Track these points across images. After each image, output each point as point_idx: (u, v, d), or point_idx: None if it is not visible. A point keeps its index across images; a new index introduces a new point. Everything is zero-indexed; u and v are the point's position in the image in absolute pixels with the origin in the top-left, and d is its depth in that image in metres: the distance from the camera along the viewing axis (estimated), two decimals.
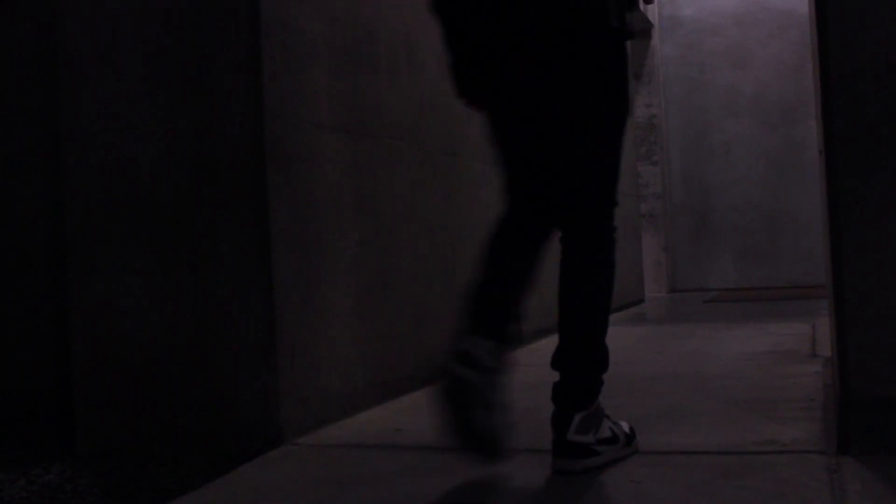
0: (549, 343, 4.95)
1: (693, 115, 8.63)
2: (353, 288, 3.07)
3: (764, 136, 8.48)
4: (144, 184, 2.70)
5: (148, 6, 2.69)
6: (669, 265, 9.23)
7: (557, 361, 2.30)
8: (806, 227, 8.18)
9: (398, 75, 3.50)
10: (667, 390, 3.11)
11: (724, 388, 3.20)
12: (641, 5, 2.08)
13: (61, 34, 2.78)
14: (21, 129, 3.13)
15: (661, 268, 9.21)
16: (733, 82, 8.89)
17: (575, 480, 2.16)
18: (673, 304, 7.70)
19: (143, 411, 2.69)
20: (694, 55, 8.65)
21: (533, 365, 4.09)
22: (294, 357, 2.69)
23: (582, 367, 2.28)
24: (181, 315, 2.66)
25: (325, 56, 2.98)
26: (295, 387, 2.69)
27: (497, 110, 2.33)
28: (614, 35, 2.20)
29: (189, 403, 2.65)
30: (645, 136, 8.42)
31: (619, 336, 5.15)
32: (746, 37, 8.59)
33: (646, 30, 6.82)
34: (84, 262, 2.75)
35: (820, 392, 3.01)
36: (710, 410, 2.83)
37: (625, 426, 2.35)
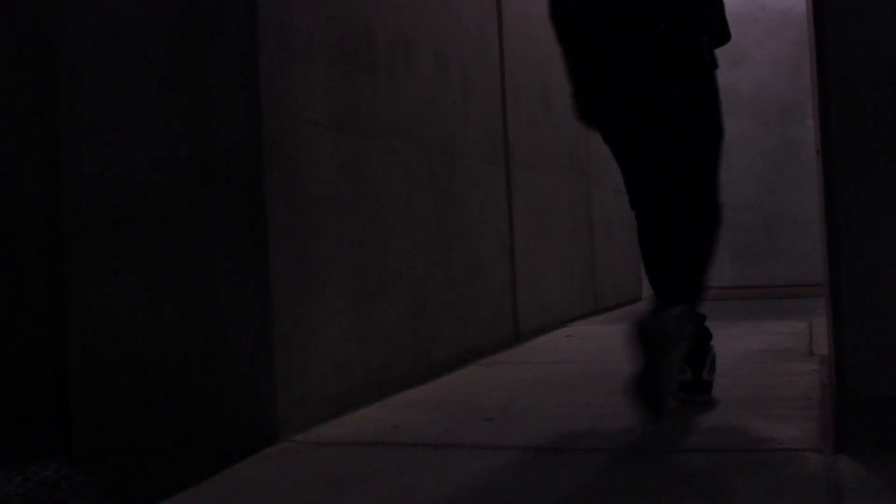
0: (548, 341, 4.97)
1: None
2: (350, 286, 3.08)
3: (761, 136, 8.48)
4: (142, 182, 2.70)
5: (146, 5, 2.69)
6: None
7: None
8: (803, 226, 8.18)
9: (396, 74, 3.50)
10: None
11: (721, 386, 3.20)
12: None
13: (59, 33, 2.77)
14: (19, 127, 3.13)
15: None
16: (731, 81, 8.87)
17: (573, 478, 2.17)
18: None
19: (140, 409, 2.69)
20: None
21: (532, 362, 4.10)
22: (291, 355, 2.69)
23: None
24: (178, 313, 2.66)
25: (323, 55, 2.98)
26: (292, 384, 2.69)
27: (613, 130, 2.84)
28: (705, 67, 2.70)
29: (186, 401, 2.65)
30: None
31: (617, 334, 5.15)
32: (744, 36, 8.58)
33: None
34: (81, 260, 2.75)
35: (817, 391, 3.01)
36: (706, 409, 2.83)
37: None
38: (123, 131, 2.71)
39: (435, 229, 3.80)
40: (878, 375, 2.24)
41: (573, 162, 6.12)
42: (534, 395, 3.26)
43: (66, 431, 2.79)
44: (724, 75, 9.21)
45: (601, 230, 6.75)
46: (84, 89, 2.74)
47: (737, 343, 4.40)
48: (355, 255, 3.12)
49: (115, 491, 2.29)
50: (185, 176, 2.66)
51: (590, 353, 4.31)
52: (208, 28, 2.65)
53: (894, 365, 2.24)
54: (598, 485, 2.11)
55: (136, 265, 2.70)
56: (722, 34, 2.79)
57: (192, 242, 2.66)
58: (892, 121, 2.25)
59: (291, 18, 2.80)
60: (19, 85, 3.14)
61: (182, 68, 2.67)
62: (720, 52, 2.78)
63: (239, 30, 2.63)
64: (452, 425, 2.81)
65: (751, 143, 8.47)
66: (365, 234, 3.19)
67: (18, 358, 3.10)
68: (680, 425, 2.64)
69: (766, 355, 3.94)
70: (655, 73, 2.65)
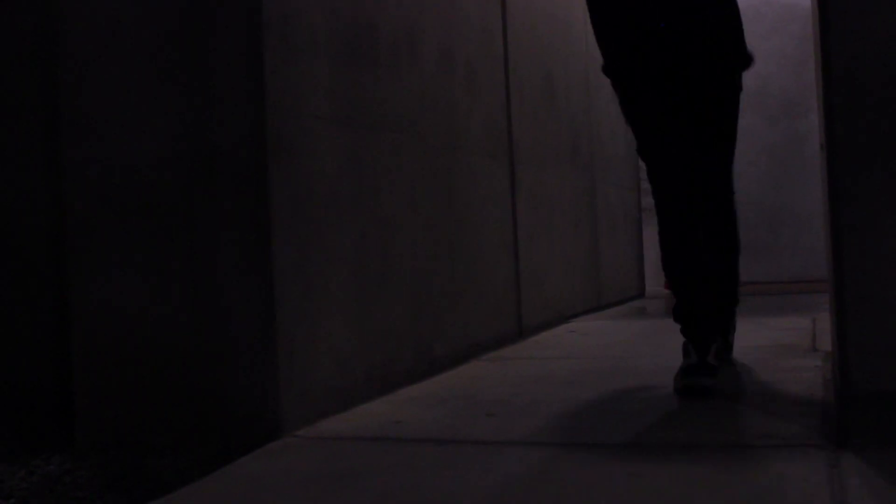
0: (551, 336, 4.96)
1: None
2: (352, 281, 3.07)
3: (766, 131, 8.45)
4: (145, 177, 2.70)
5: (147, 1, 2.69)
6: None
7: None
8: (807, 221, 8.15)
9: (399, 69, 3.50)
10: (667, 384, 3.10)
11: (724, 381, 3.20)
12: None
13: (61, 28, 2.77)
14: (21, 124, 3.13)
15: None
16: None
17: (575, 474, 2.17)
18: (674, 298, 7.69)
19: (142, 404, 2.69)
20: None
21: (535, 358, 4.10)
22: (293, 350, 2.69)
23: (718, 312, 3.24)
24: (181, 308, 2.66)
25: (326, 49, 2.97)
26: (294, 379, 2.69)
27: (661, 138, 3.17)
28: (737, 92, 3.25)
29: (189, 396, 2.65)
30: None
31: (620, 330, 5.16)
32: (748, 30, 8.51)
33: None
34: (84, 255, 2.75)
35: (820, 386, 3.01)
36: (709, 404, 2.83)
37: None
38: (125, 127, 2.71)
39: (437, 224, 3.79)
40: (881, 371, 2.24)
41: (577, 157, 6.11)
42: (537, 390, 3.26)
43: (70, 426, 2.79)
44: None
45: (605, 226, 6.74)
46: (85, 85, 2.74)
47: (740, 338, 4.39)
48: (358, 249, 3.12)
49: (118, 485, 2.29)
50: (187, 171, 2.66)
51: (593, 349, 4.31)
52: (210, 22, 2.64)
53: None
54: (599, 480, 2.11)
55: (138, 261, 2.70)
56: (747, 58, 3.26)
57: (195, 238, 2.66)
58: (894, 118, 2.24)
59: (294, 12, 2.79)
60: (21, 82, 3.14)
61: (184, 63, 2.66)
62: None
63: (241, 24, 2.63)
64: (455, 420, 2.81)
65: (755, 138, 8.44)
66: (367, 229, 3.19)
67: (22, 353, 3.11)
68: (682, 420, 2.64)
69: (770, 351, 3.94)
70: (704, 95, 3.15)
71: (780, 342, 4.20)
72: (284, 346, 2.65)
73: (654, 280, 8.73)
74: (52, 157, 2.98)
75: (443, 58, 3.93)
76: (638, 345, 4.39)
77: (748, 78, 3.28)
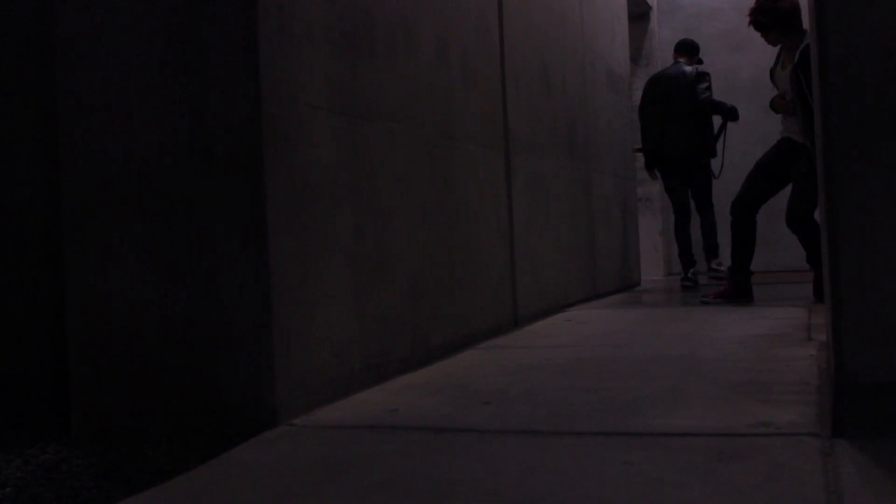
0: (547, 325, 4.95)
1: None
2: (348, 270, 3.08)
3: (761, 121, 8.44)
4: (140, 165, 2.69)
5: None
6: (666, 249, 9.23)
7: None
8: None
9: (395, 58, 3.49)
10: (662, 373, 3.12)
11: (720, 370, 3.21)
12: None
13: (57, 15, 2.76)
14: (17, 111, 3.12)
15: (658, 251, 9.20)
16: (731, 67, 8.86)
17: (570, 463, 2.18)
18: (669, 287, 7.71)
19: (138, 392, 2.69)
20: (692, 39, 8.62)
21: (531, 346, 4.10)
22: (289, 338, 2.70)
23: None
24: (177, 296, 2.66)
25: (323, 38, 2.97)
26: (290, 368, 2.70)
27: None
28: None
29: (185, 384, 2.66)
30: None
31: (615, 319, 5.16)
32: (745, 21, 8.53)
33: None
34: (80, 243, 2.75)
35: (815, 376, 3.02)
36: (705, 393, 2.84)
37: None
38: (122, 114, 2.70)
39: (434, 214, 3.79)
40: (876, 360, 2.25)
41: (573, 146, 6.11)
42: (532, 379, 3.27)
43: (66, 414, 2.79)
44: (725, 60, 9.19)
45: (600, 215, 6.74)
46: (82, 72, 2.73)
47: (735, 328, 4.41)
48: (354, 238, 3.12)
49: (114, 473, 2.29)
50: (184, 159, 2.66)
51: (588, 338, 4.31)
52: (207, 10, 2.64)
53: (892, 350, 2.24)
54: (595, 468, 2.12)
55: (135, 249, 2.70)
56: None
57: (192, 226, 2.66)
58: (891, 105, 2.24)
59: (291, 1, 2.79)
60: (18, 68, 3.13)
61: (181, 50, 2.66)
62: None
63: (238, 12, 2.62)
64: (451, 409, 2.81)
65: (751, 129, 8.44)
66: (364, 218, 3.19)
67: (17, 342, 3.10)
68: (677, 409, 2.64)
69: (765, 340, 3.95)
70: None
71: (776, 332, 4.21)
72: (281, 334, 2.65)
73: (650, 269, 8.74)
74: (49, 146, 2.97)
75: (439, 47, 3.92)
76: (633, 334, 4.40)
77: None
